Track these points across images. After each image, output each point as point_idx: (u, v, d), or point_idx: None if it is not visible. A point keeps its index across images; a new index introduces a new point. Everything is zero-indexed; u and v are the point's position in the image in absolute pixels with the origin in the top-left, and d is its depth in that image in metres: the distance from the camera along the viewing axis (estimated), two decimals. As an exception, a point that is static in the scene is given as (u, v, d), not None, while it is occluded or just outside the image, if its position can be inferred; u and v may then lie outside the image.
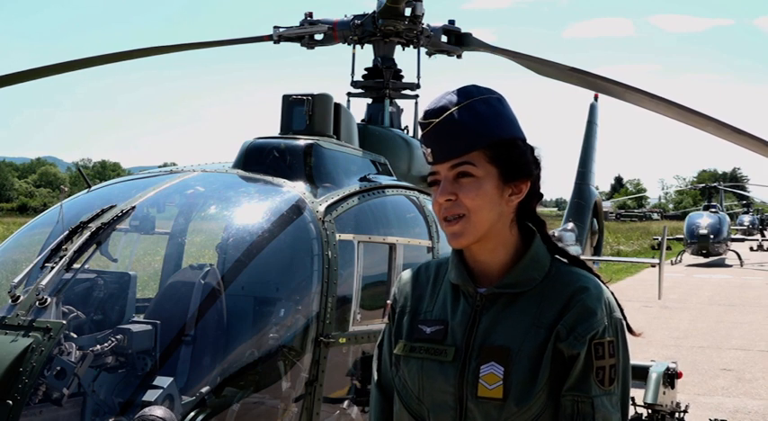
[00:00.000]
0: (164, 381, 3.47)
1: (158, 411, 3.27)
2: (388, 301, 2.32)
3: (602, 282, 2.14)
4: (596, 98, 12.84)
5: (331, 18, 6.30)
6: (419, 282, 2.26)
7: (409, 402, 2.15)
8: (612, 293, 2.14)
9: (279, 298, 4.15)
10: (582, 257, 10.96)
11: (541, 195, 2.20)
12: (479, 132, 2.05)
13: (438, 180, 2.10)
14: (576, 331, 2.01)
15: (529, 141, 2.18)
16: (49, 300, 3.49)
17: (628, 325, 2.16)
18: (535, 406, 2.01)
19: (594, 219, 12.06)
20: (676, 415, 7.06)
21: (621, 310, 2.13)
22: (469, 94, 2.09)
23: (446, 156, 2.07)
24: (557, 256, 2.18)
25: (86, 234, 3.86)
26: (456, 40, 6.48)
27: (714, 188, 43.16)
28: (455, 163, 2.06)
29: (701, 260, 37.04)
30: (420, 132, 2.14)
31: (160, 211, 4.41)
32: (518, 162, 2.10)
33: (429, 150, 2.10)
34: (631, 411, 6.81)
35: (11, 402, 3.18)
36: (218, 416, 3.61)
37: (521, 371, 2.01)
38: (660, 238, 12.62)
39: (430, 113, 2.09)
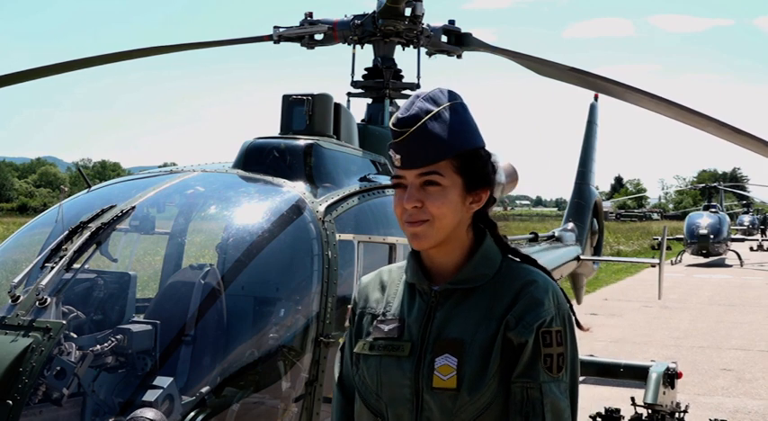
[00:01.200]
0: (164, 381, 3.47)
1: (149, 413, 3.27)
2: (349, 306, 2.40)
3: (551, 277, 2.24)
4: (596, 98, 12.84)
5: (331, 18, 6.30)
6: (378, 285, 2.36)
7: (368, 398, 2.23)
8: (561, 288, 2.23)
9: (279, 298, 4.15)
10: (582, 257, 10.90)
11: (495, 200, 2.30)
12: (449, 143, 2.13)
13: (403, 184, 2.17)
14: (525, 320, 2.10)
15: (487, 147, 2.26)
16: (48, 300, 3.49)
17: (577, 320, 2.24)
18: (486, 394, 2.09)
19: (594, 219, 12.07)
20: (676, 415, 7.06)
21: (570, 304, 2.22)
22: (438, 101, 2.16)
23: (415, 165, 2.14)
24: (509, 255, 2.27)
25: (86, 234, 3.85)
26: (456, 40, 6.48)
27: (714, 188, 43.12)
28: (423, 171, 2.14)
29: (701, 260, 37.04)
30: (391, 138, 2.19)
31: (160, 211, 4.41)
32: (481, 172, 2.20)
33: (398, 156, 2.16)
34: (631, 411, 6.82)
35: (11, 402, 3.18)
36: (218, 416, 3.61)
37: (473, 361, 2.09)
38: (660, 238, 12.63)
39: (402, 122, 2.14)
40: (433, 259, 2.23)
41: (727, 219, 39.29)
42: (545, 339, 2.08)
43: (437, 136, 2.12)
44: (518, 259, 2.27)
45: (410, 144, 2.13)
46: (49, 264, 3.69)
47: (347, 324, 2.39)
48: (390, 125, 2.19)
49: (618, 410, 7.11)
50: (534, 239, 9.67)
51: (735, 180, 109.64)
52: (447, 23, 6.48)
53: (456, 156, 2.14)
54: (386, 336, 2.21)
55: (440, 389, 2.10)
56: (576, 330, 2.23)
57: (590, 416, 7.21)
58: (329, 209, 4.28)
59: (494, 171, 2.26)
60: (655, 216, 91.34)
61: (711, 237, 35.61)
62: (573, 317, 2.20)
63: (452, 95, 2.19)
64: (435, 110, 2.13)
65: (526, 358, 2.08)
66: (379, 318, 2.27)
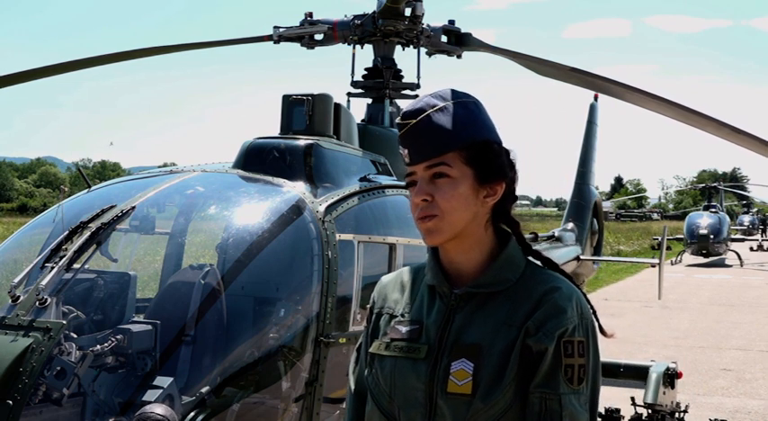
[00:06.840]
0: (164, 381, 3.48)
1: (159, 409, 3.27)
2: (368, 305, 2.35)
3: (575, 284, 2.16)
4: (596, 98, 12.85)
5: (331, 18, 6.30)
6: (397, 286, 2.30)
7: (380, 400, 2.18)
8: (585, 296, 2.16)
9: (279, 298, 4.15)
10: (582, 257, 10.84)
11: (516, 197, 2.24)
12: (455, 134, 2.09)
13: (415, 180, 2.14)
14: (546, 327, 2.02)
15: (504, 144, 2.20)
16: (49, 300, 3.49)
17: (600, 327, 2.17)
18: (501, 402, 2.02)
19: (594, 219, 12.07)
20: (676, 415, 7.06)
21: (594, 313, 2.15)
22: (447, 98, 2.13)
23: (422, 157, 2.11)
24: (531, 258, 2.21)
25: (86, 234, 3.86)
26: (456, 40, 6.49)
27: (714, 188, 43.05)
28: (431, 163, 2.10)
29: (701, 260, 37.04)
30: (398, 133, 2.17)
31: (160, 211, 4.42)
32: (493, 164, 2.13)
33: (406, 151, 2.14)
34: (631, 411, 6.82)
35: (11, 402, 3.19)
36: (218, 416, 3.61)
37: (490, 367, 2.03)
38: (660, 238, 12.64)
39: (407, 115, 2.13)
40: (452, 259, 2.17)
41: (727, 219, 39.30)
42: (566, 349, 2.01)
43: (441, 127, 2.08)
44: (540, 261, 2.20)
45: (415, 137, 2.10)
46: (49, 264, 3.69)
47: (365, 324, 2.34)
48: (396, 121, 2.16)
49: (618, 410, 7.11)
50: (534, 239, 9.67)
51: (735, 180, 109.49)
52: (447, 23, 6.48)
53: (464, 147, 2.09)
54: (403, 338, 2.15)
55: (454, 394, 2.03)
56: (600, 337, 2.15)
57: (590, 416, 7.19)
58: (329, 209, 4.28)
59: (511, 166, 2.19)
60: (655, 216, 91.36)
61: (711, 237, 35.61)
62: (597, 327, 2.12)
63: (464, 94, 2.16)
64: (442, 104, 2.11)
65: (546, 367, 2.01)
66: (397, 319, 2.21)
